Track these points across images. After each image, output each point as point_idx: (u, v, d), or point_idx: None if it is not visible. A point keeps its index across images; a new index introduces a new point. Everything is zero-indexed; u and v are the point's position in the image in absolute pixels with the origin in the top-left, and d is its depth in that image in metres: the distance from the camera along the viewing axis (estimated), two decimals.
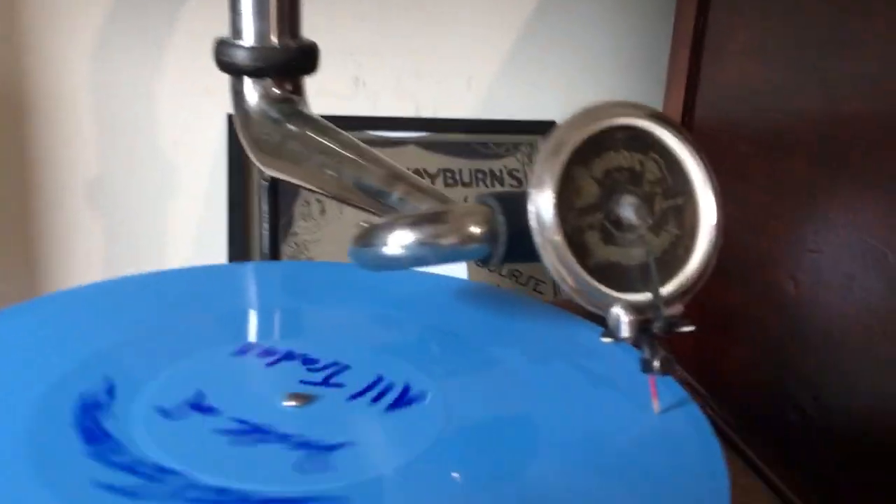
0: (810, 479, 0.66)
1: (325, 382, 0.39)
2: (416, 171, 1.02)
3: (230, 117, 0.91)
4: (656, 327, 0.38)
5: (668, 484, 0.35)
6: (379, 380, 0.40)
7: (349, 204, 0.56)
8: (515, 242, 0.39)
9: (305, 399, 0.38)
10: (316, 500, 0.32)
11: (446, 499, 0.33)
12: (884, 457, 0.61)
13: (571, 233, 0.38)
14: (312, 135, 0.61)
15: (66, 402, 0.37)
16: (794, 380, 0.70)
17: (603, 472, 0.36)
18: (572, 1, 1.02)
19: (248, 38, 0.63)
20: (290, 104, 0.67)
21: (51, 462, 0.32)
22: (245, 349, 0.42)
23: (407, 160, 1.02)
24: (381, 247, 0.41)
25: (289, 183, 0.63)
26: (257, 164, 0.66)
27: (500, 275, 0.89)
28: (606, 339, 0.39)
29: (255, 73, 0.65)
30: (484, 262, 0.42)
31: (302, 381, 0.39)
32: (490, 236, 0.41)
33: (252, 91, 0.65)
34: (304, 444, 0.35)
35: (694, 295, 0.40)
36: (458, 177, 1.02)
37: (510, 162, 0.97)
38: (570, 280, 0.38)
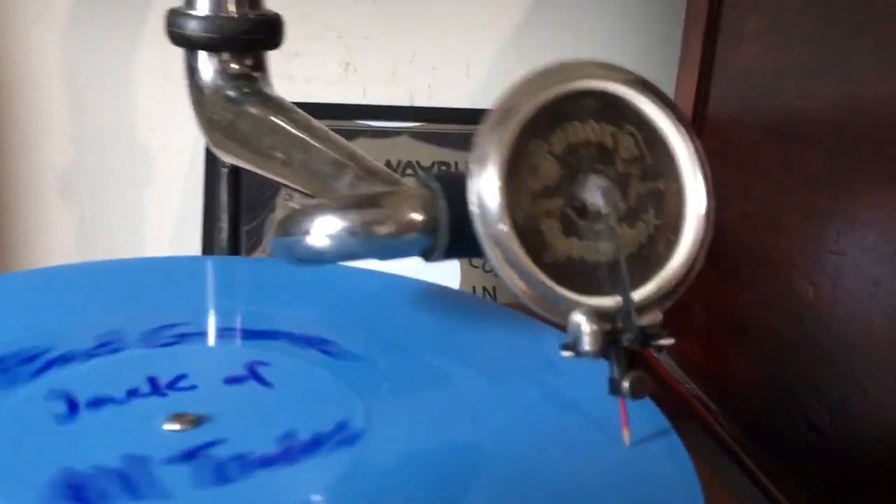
0: None
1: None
2: (409, 164, 0.96)
3: None
4: (627, 339, 0.31)
5: None
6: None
7: (299, 192, 0.50)
8: (461, 232, 0.33)
9: (190, 422, 0.32)
10: None
11: None
12: None
13: (523, 221, 0.31)
14: (263, 114, 0.55)
15: None
16: (809, 394, 0.65)
17: None
18: None
19: (202, 6, 0.57)
20: (249, 82, 0.61)
21: None
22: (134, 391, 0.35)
23: (400, 152, 0.96)
24: (303, 236, 0.34)
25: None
26: (212, 147, 0.60)
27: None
28: (566, 354, 0.32)
29: (210, 47, 0.58)
30: (426, 255, 0.35)
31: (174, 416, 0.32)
32: (432, 225, 0.34)
33: (207, 66, 0.59)
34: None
35: (677, 300, 0.33)
36: (454, 170, 0.96)
37: None
38: (518, 280, 0.31)
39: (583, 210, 0.32)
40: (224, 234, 0.68)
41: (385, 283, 0.46)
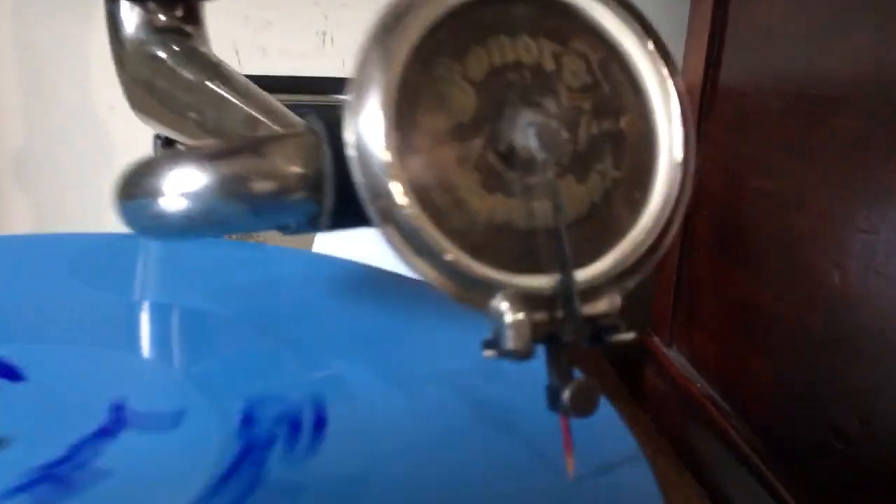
0: None
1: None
2: None
3: None
4: (567, 334, 0.23)
5: None
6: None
7: None
8: (353, 191, 0.24)
9: None
10: None
11: None
12: None
13: (425, 172, 0.23)
14: (181, 71, 0.47)
15: None
16: (835, 396, 0.58)
17: None
18: None
19: None
20: (180, 38, 0.53)
21: None
22: None
23: None
24: (154, 197, 0.26)
25: None
26: (134, 113, 0.53)
27: None
28: (488, 353, 0.23)
29: None
30: (314, 223, 0.26)
31: None
32: (314, 180, 0.25)
33: (129, 17, 0.52)
34: None
35: (642, 280, 0.24)
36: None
37: None
38: (416, 254, 0.22)
39: (511, 157, 0.24)
40: None
41: (292, 261, 0.37)
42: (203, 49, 0.53)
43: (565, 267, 0.23)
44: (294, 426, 0.25)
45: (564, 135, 0.24)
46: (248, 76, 0.46)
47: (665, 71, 0.25)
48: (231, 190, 0.25)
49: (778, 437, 0.65)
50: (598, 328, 0.24)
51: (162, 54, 0.50)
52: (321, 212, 0.26)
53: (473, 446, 0.26)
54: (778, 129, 0.64)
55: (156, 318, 0.32)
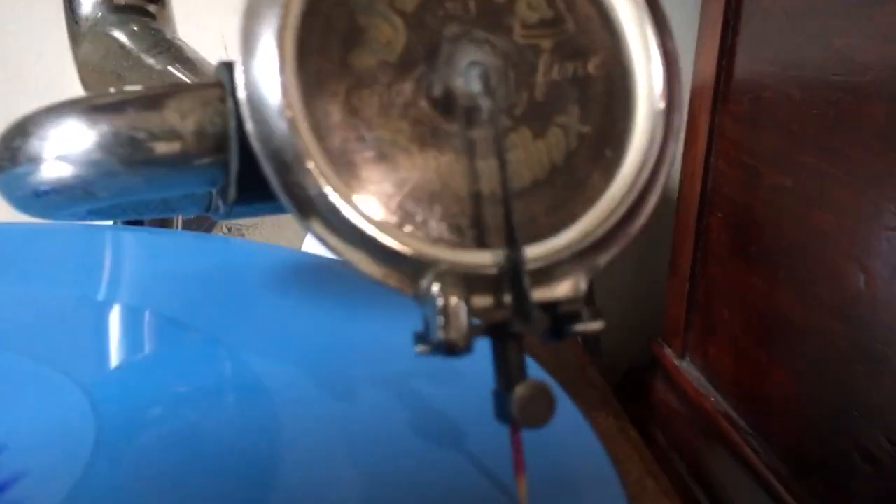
0: None
1: None
2: None
3: None
4: (516, 323, 0.18)
5: None
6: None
7: None
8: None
9: None
10: None
11: None
12: None
13: (339, 124, 0.18)
14: (139, 53, 0.43)
15: None
16: (862, 412, 0.53)
17: None
18: None
19: None
20: (140, 16, 0.49)
21: None
22: None
23: None
24: (29, 162, 0.22)
25: None
26: (85, 92, 0.49)
27: None
28: (420, 349, 0.18)
29: None
30: (224, 196, 0.22)
31: None
32: (216, 139, 0.21)
33: None
34: None
35: (613, 259, 0.20)
36: None
37: None
38: (323, 227, 0.18)
39: (449, 105, 0.19)
40: None
41: (235, 248, 0.33)
42: (166, 31, 0.49)
43: (512, 239, 0.18)
44: None
45: (516, 80, 0.19)
46: None
47: (647, 6, 0.20)
48: (114, 150, 0.21)
49: (799, 457, 0.60)
50: (558, 316, 0.19)
51: (119, 35, 0.46)
52: (226, 185, 0.21)
53: (410, 464, 0.21)
54: (797, 120, 0.59)
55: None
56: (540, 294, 0.19)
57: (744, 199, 0.66)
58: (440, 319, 0.18)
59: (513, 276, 0.18)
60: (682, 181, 0.74)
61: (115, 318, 0.27)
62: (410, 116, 0.19)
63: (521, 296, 0.18)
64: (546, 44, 0.20)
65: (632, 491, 0.26)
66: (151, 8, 0.49)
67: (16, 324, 0.27)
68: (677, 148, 0.20)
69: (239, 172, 0.21)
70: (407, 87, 0.19)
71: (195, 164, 0.21)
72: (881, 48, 0.50)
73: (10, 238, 0.37)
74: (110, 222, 0.47)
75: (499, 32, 0.20)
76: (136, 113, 0.21)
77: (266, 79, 0.18)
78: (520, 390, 0.18)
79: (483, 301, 0.18)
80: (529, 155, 0.20)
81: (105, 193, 0.21)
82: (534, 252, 0.19)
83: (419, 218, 0.19)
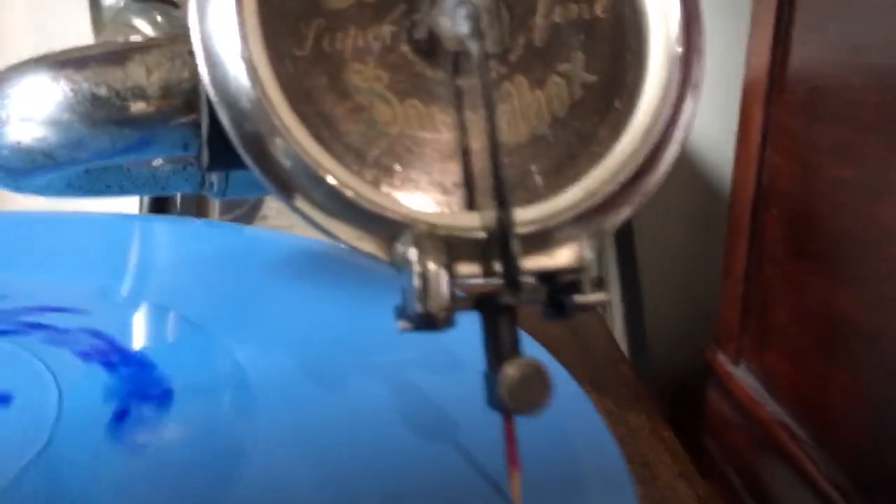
0: None
1: None
2: None
3: None
4: (505, 294, 0.16)
5: None
6: None
7: None
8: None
9: None
10: None
11: None
12: None
13: (306, 71, 0.16)
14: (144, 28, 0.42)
15: None
16: None
17: None
18: None
19: None
20: (165, 5, 0.48)
21: None
22: None
23: None
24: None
25: None
26: None
27: None
28: (403, 325, 0.16)
29: None
30: (199, 165, 0.20)
31: None
32: (185, 96, 0.19)
33: None
34: None
35: (621, 223, 0.17)
36: None
37: None
38: (289, 186, 0.16)
39: (433, 49, 0.17)
40: None
41: (235, 233, 0.31)
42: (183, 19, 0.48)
43: (500, 196, 0.16)
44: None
45: (510, 22, 0.17)
46: None
47: None
48: (74, 108, 0.19)
49: (862, 469, 0.56)
50: (555, 286, 0.17)
51: (141, 24, 0.46)
52: (201, 144, 0.20)
53: (400, 460, 0.19)
54: (857, 108, 0.55)
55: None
56: (537, 262, 0.17)
57: (801, 194, 0.62)
58: (417, 289, 0.16)
59: (501, 242, 0.16)
60: (735, 177, 0.70)
61: (104, 303, 0.25)
62: (390, 63, 0.17)
63: (508, 262, 0.16)
64: None
65: (662, 495, 0.24)
66: None
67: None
68: (698, 99, 0.18)
69: (210, 133, 0.19)
70: (386, 30, 0.17)
71: (163, 124, 0.20)
72: None
73: (30, 225, 0.36)
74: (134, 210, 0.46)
75: None
76: (99, 68, 0.19)
77: (220, 14, 0.16)
78: (509, 370, 0.15)
79: (469, 269, 0.16)
80: (526, 107, 0.17)
81: (67, 157, 0.20)
82: (529, 214, 0.17)
83: (398, 175, 0.16)
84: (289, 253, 0.30)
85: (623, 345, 0.77)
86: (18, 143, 0.20)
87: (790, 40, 0.62)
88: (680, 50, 0.17)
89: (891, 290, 0.53)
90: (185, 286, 0.27)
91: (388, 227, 0.16)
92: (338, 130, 0.16)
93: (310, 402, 0.21)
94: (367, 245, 0.16)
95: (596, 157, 0.17)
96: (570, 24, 0.18)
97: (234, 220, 0.61)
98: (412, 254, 0.16)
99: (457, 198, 0.17)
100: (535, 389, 0.15)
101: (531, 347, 0.24)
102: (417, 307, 0.15)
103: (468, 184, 0.17)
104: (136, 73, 0.19)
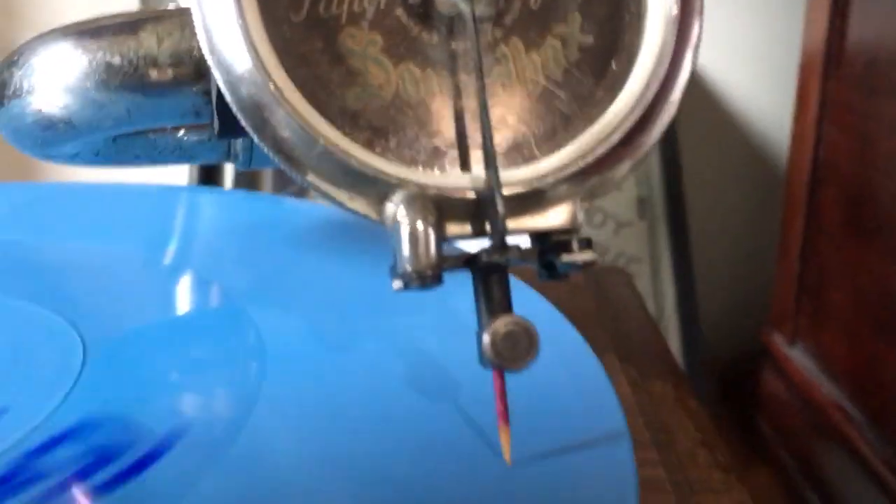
0: None
1: None
2: None
3: None
4: (490, 252, 0.16)
5: None
6: None
7: None
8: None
9: None
10: None
11: None
12: None
13: (299, 36, 0.17)
14: None
15: None
16: None
17: None
18: None
19: None
20: None
21: None
22: None
23: None
24: (25, 95, 0.21)
25: None
26: None
27: None
28: (397, 285, 0.17)
29: None
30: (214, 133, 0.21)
31: None
32: (198, 64, 0.20)
33: None
34: None
35: (615, 185, 0.17)
36: None
37: None
38: (284, 147, 0.16)
39: (427, 11, 0.17)
40: None
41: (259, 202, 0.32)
42: None
43: (487, 155, 0.16)
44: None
45: None
46: None
47: None
48: (91, 77, 0.20)
49: None
50: (547, 245, 0.17)
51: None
52: (211, 111, 0.20)
53: (404, 424, 0.19)
54: None
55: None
56: (530, 222, 0.17)
57: (859, 170, 0.60)
58: (405, 247, 0.16)
59: (489, 200, 0.16)
60: (791, 154, 0.69)
61: (129, 270, 0.26)
62: (384, 26, 0.17)
63: (494, 219, 0.16)
64: None
65: (680, 459, 0.24)
66: None
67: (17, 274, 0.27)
68: (695, 60, 0.18)
69: (219, 100, 0.19)
70: None
71: (175, 91, 0.20)
72: None
73: (74, 195, 0.37)
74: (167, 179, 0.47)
75: None
76: (113, 37, 0.20)
77: None
78: (497, 325, 0.16)
79: (459, 229, 0.16)
80: (522, 69, 0.17)
81: (86, 125, 0.21)
82: (521, 174, 0.17)
83: (392, 137, 0.17)
84: (321, 223, 0.31)
85: (675, 324, 0.76)
86: (40, 111, 0.21)
87: (848, 11, 0.61)
88: (676, 11, 0.17)
89: None
90: (218, 254, 0.28)
91: (379, 188, 0.16)
92: (332, 94, 0.17)
93: (322, 364, 0.22)
94: (359, 205, 0.17)
95: (591, 119, 0.17)
96: None
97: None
98: (401, 213, 0.16)
99: (449, 160, 0.17)
100: (521, 346, 0.16)
101: (539, 303, 0.25)
102: (406, 266, 0.16)
103: (460, 146, 0.17)
104: (147, 41, 0.20)
